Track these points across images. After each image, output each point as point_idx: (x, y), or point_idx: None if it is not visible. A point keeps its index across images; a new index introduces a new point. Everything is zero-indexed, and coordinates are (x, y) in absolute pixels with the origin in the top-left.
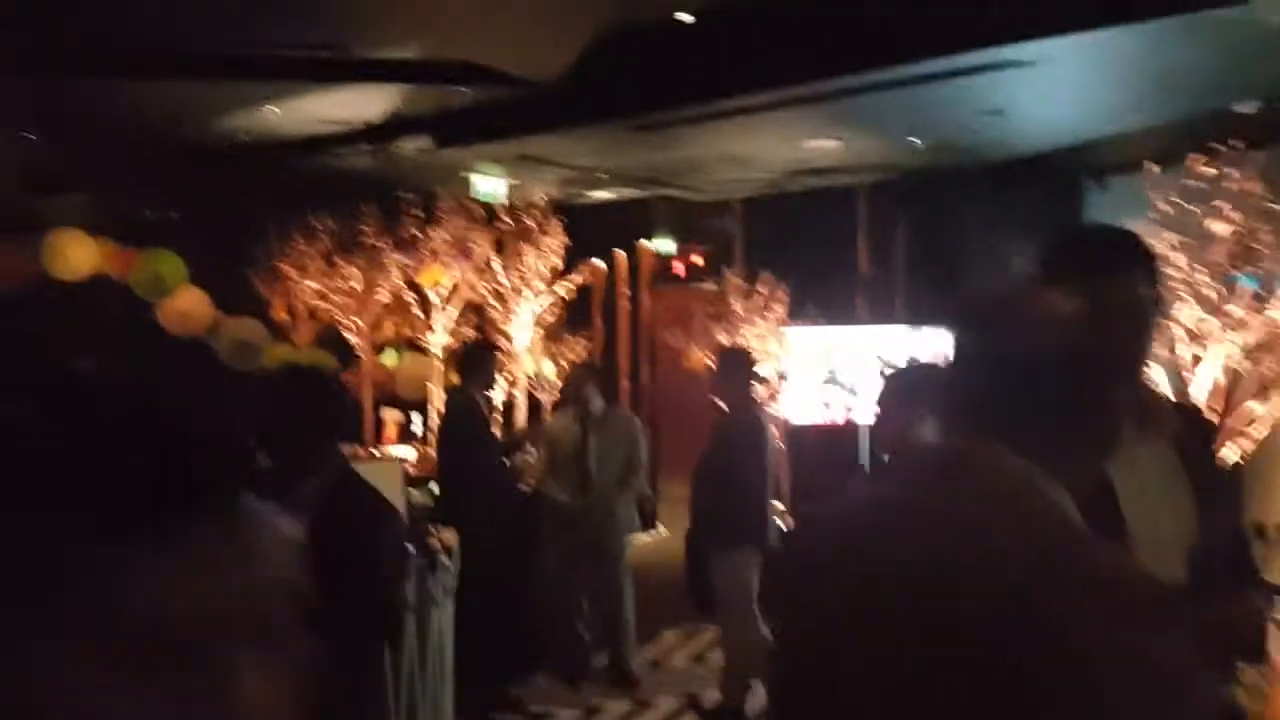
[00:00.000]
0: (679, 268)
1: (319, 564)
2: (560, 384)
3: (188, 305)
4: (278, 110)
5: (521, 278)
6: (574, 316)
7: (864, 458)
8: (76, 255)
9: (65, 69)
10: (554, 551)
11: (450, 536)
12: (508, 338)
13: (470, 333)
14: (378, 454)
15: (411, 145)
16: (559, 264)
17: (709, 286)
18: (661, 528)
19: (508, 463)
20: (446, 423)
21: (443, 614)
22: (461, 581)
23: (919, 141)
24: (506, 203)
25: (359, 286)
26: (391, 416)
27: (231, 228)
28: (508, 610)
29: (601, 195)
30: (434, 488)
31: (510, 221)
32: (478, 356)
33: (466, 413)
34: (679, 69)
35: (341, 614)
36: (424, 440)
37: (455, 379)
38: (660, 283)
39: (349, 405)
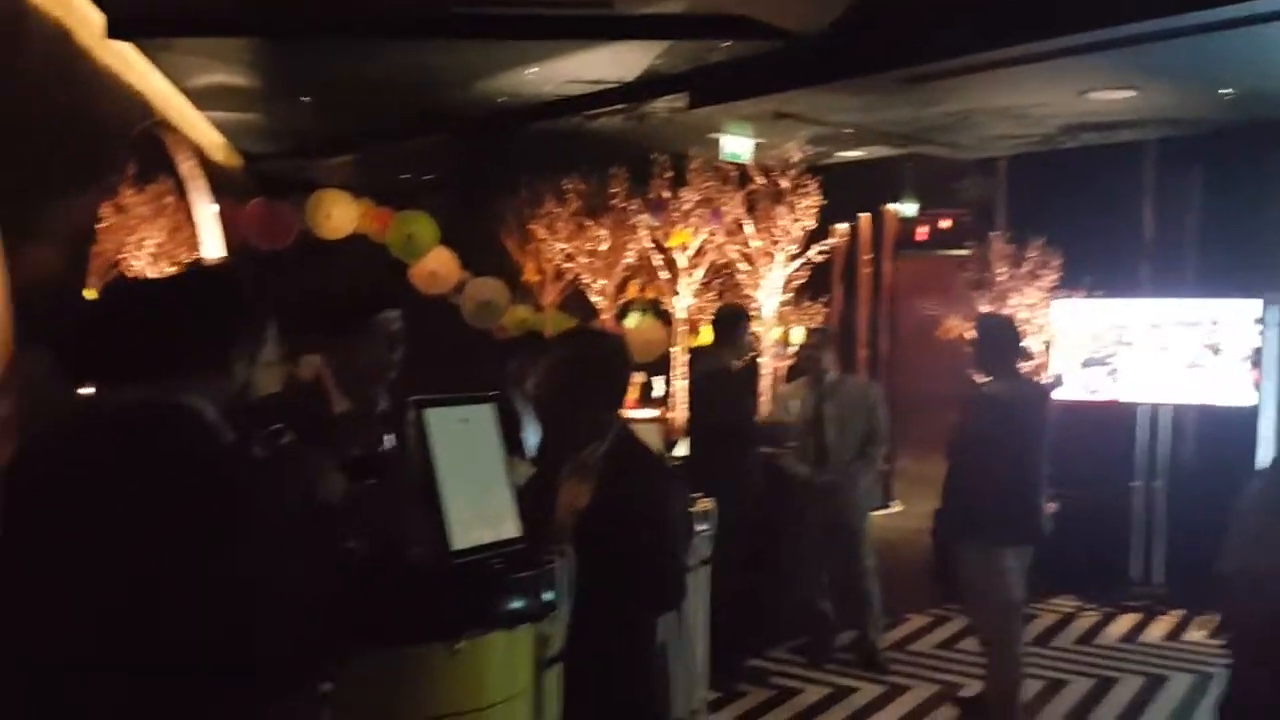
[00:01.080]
0: (923, 233)
1: (607, 528)
2: (797, 350)
3: (437, 265)
4: (536, 70)
5: (773, 240)
6: (812, 282)
7: (1141, 440)
8: (340, 215)
9: (336, 30)
10: (794, 525)
11: (706, 502)
12: (755, 302)
13: (716, 297)
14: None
15: (664, 104)
16: (812, 225)
17: (959, 252)
18: (896, 504)
19: (759, 430)
20: (697, 387)
21: (697, 580)
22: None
23: (1231, 91)
24: (752, 164)
25: (606, 248)
26: (632, 379)
27: (485, 189)
28: (753, 581)
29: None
30: (680, 451)
31: (763, 182)
32: (732, 320)
33: (718, 377)
34: (955, 15)
35: (634, 578)
36: (664, 403)
37: (704, 342)
38: (903, 249)
39: (629, 371)
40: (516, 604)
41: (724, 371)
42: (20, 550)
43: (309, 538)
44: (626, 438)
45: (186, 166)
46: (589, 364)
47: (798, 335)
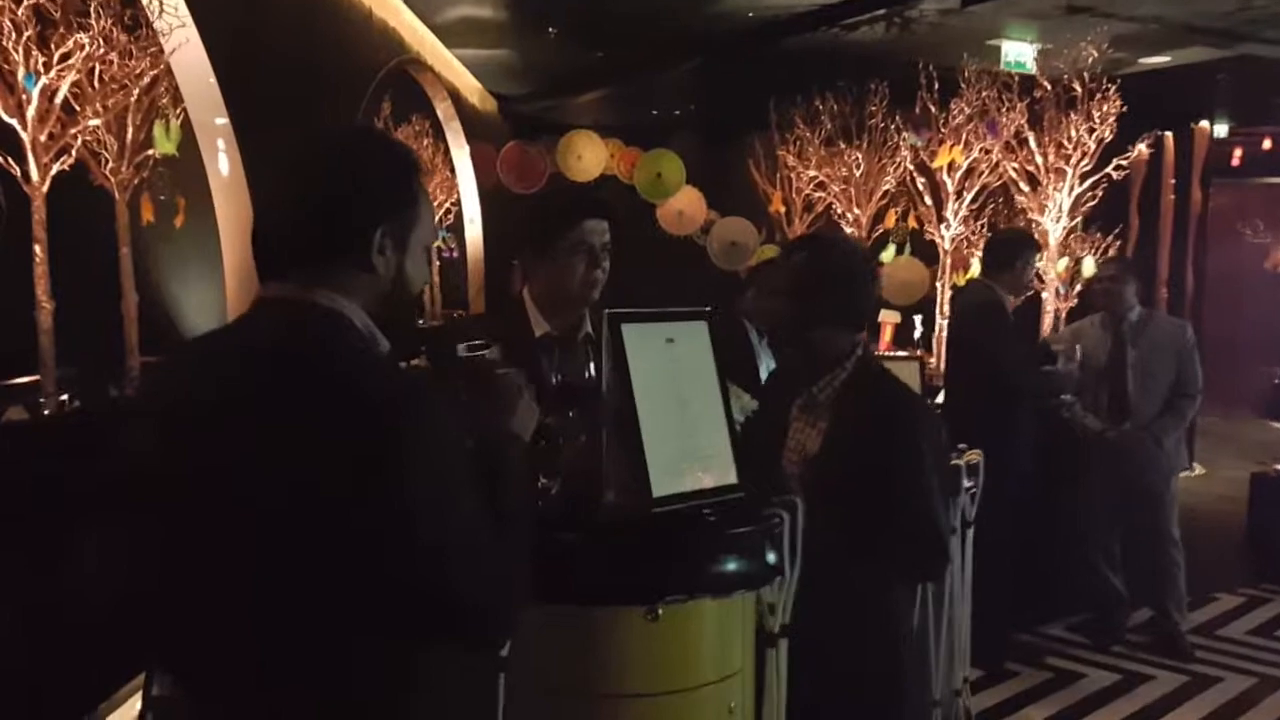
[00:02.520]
0: (1238, 156)
1: (846, 478)
2: (1084, 285)
3: (684, 205)
4: None
5: (1061, 154)
6: (1104, 209)
7: None
8: (590, 156)
9: None
10: (1084, 487)
11: (973, 454)
12: (1037, 227)
13: (988, 225)
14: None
15: (933, 6)
16: (1109, 138)
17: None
18: (1198, 467)
19: (1035, 377)
20: (961, 322)
21: (961, 546)
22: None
23: None
24: (1035, 72)
25: (861, 173)
26: (889, 318)
27: (733, 123)
28: (1027, 547)
29: (1153, 62)
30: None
31: (1048, 88)
32: (1012, 246)
33: (989, 311)
34: None
35: (880, 540)
36: (926, 346)
37: (975, 273)
38: (1215, 174)
39: (874, 286)
40: (731, 565)
41: (995, 307)
42: (154, 499)
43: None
44: (871, 367)
45: (443, 108)
46: (825, 273)
47: (1088, 267)
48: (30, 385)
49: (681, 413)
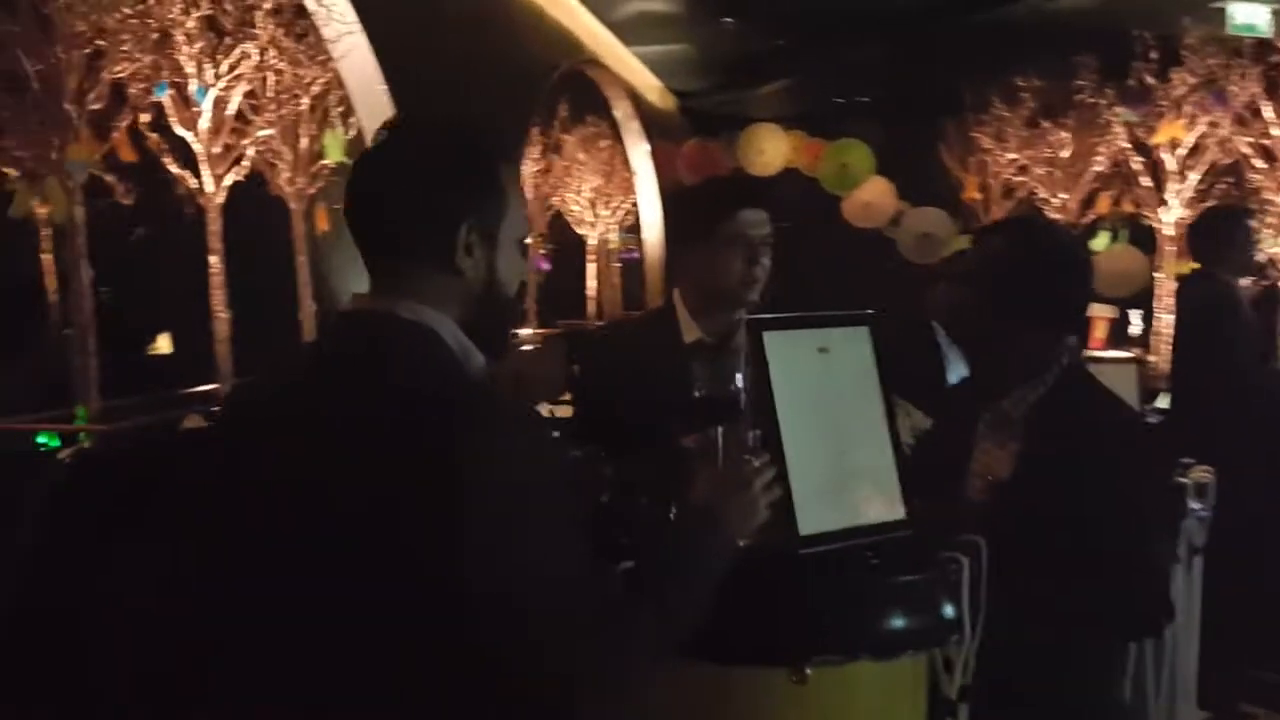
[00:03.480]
0: None
1: (1040, 513)
2: None
3: (872, 196)
4: None
5: None
6: None
7: None
8: (772, 150)
9: None
10: None
11: (1202, 473)
12: (1274, 204)
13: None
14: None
15: None
16: None
17: None
18: None
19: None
20: (1185, 318)
21: (1189, 576)
22: (1213, 535)
23: None
24: (1271, 34)
25: (1068, 154)
26: (1101, 314)
27: (925, 108)
28: (1271, 572)
29: None
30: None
31: None
32: (1220, 223)
33: (1215, 304)
34: None
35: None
36: (1144, 343)
37: (1194, 260)
38: None
39: (1087, 281)
40: (898, 621)
41: (1223, 297)
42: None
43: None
44: (1077, 378)
45: (621, 108)
46: (1028, 261)
47: None
48: (208, 394)
49: (836, 435)
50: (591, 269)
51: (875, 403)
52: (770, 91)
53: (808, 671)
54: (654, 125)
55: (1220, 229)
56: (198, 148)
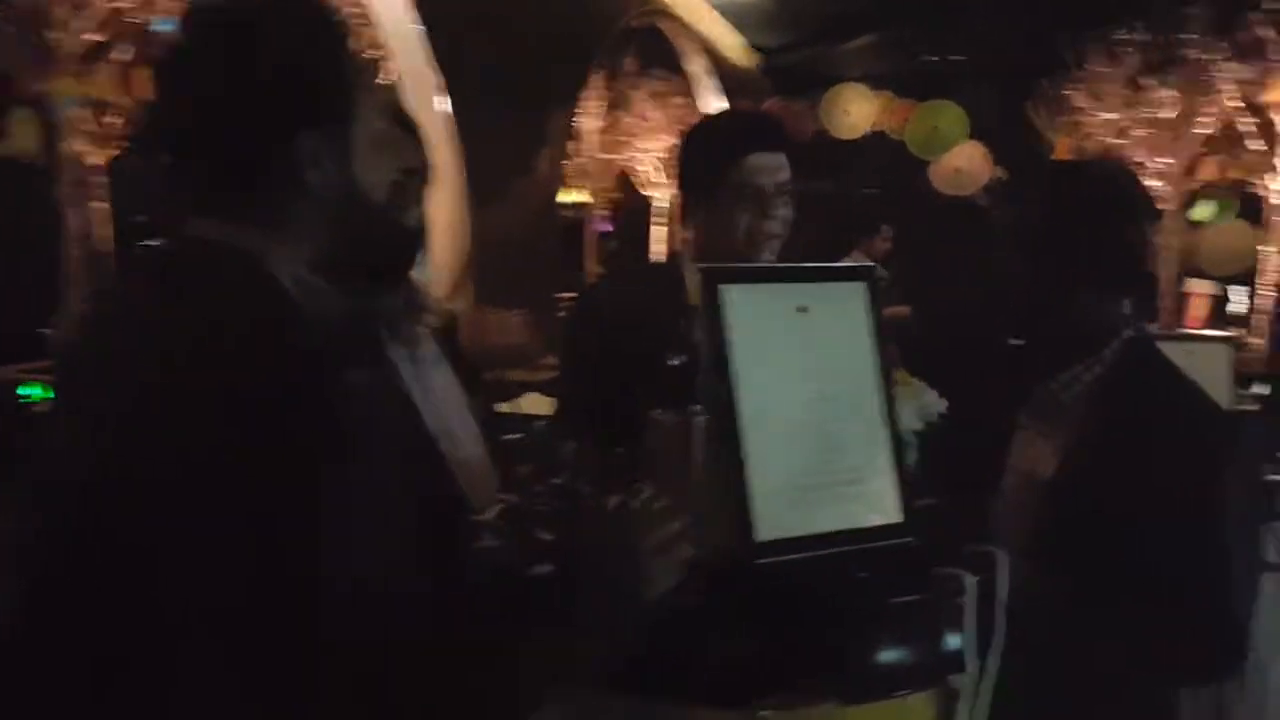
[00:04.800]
0: None
1: (1092, 523)
2: None
3: (963, 161)
4: None
5: None
6: None
7: None
8: (858, 111)
9: None
10: None
11: None
12: None
13: None
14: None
15: None
16: None
17: None
18: None
19: None
20: None
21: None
22: None
23: None
24: None
25: (1173, 115)
26: (1201, 290)
27: (1025, 62)
28: None
29: None
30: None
31: None
32: None
33: None
34: None
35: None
36: (1246, 323)
37: None
38: None
39: (1149, 231)
40: (891, 654)
41: None
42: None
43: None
44: (1143, 356)
45: (696, 63)
46: (1077, 209)
47: None
48: None
49: (814, 416)
50: (659, 232)
51: (869, 377)
52: (857, 48)
53: (763, 715)
54: (733, 83)
55: None
56: None
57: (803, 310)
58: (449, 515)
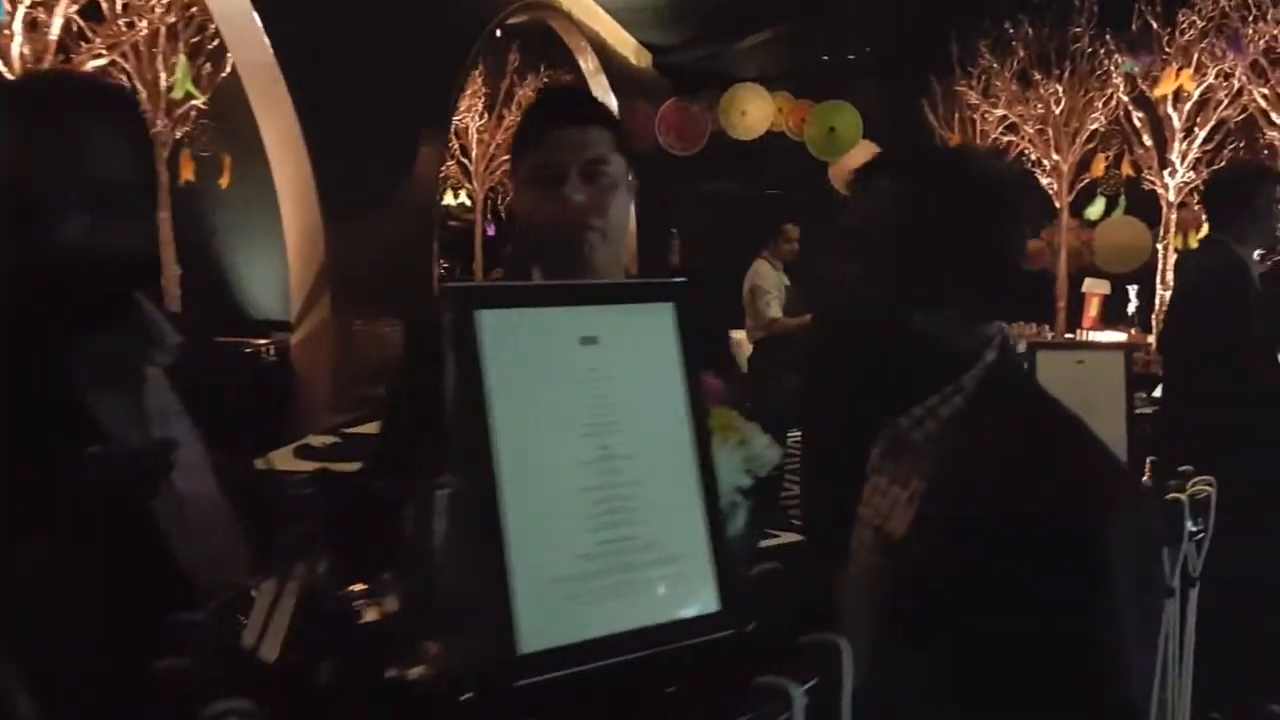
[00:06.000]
0: None
1: (956, 586)
2: None
3: (859, 162)
4: None
5: None
6: None
7: None
8: (755, 112)
9: None
10: None
11: (1201, 486)
12: None
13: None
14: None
15: None
16: None
17: None
18: None
19: None
20: (1187, 295)
21: (1183, 607)
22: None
23: None
24: None
25: (1062, 111)
26: (1096, 289)
27: (917, 61)
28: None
29: None
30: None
31: None
32: (1238, 183)
33: (1224, 278)
34: None
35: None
36: (1141, 323)
37: (1204, 229)
38: None
39: (1022, 233)
40: None
41: (1233, 271)
42: None
43: None
44: (1008, 382)
45: (586, 61)
46: (936, 210)
47: None
48: None
49: (604, 479)
50: None
51: (678, 425)
52: (752, 48)
53: None
54: (630, 84)
55: (1236, 189)
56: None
57: (590, 341)
58: (150, 606)
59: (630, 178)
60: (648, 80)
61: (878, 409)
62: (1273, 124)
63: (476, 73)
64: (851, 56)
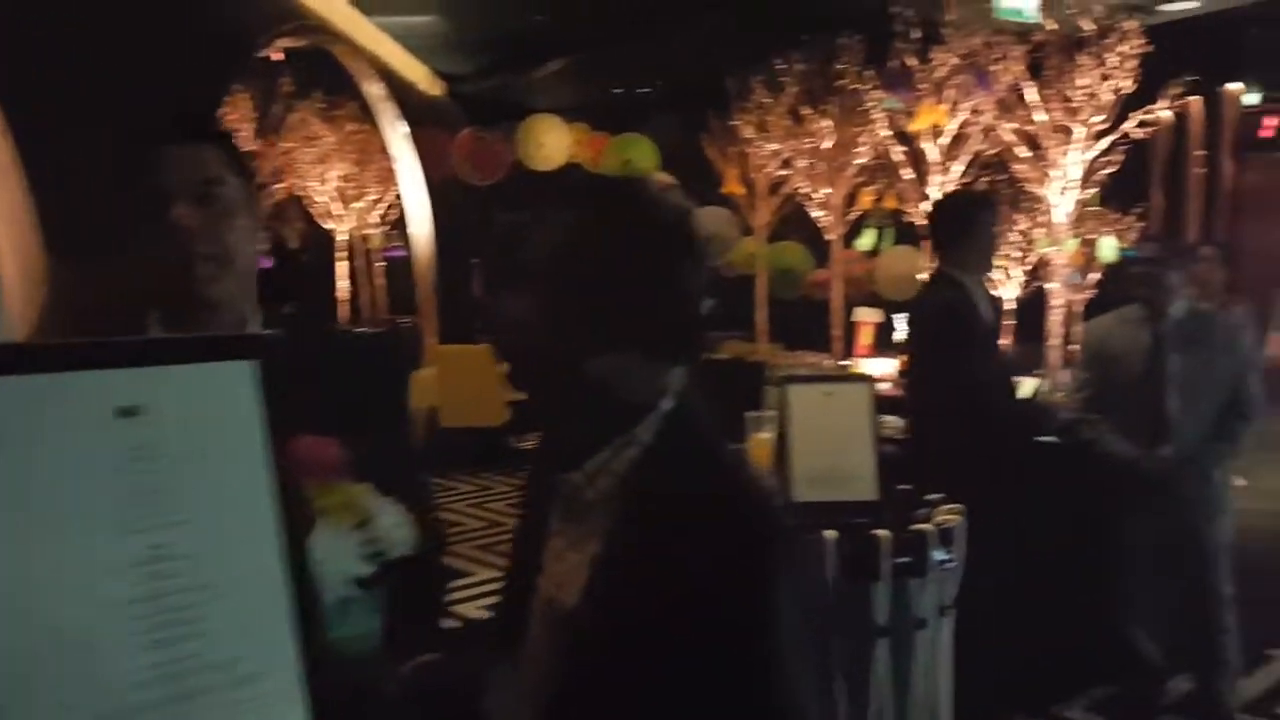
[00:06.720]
0: (1270, 125)
1: (629, 660)
2: (1103, 272)
3: None
4: None
5: (1069, 109)
6: (1125, 183)
7: None
8: (552, 143)
9: None
10: (1109, 532)
11: (948, 515)
12: (1040, 201)
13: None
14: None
15: None
16: (1129, 88)
17: None
18: (1239, 478)
19: (1018, 390)
20: (910, 325)
21: (935, 636)
22: (966, 580)
23: None
24: (1039, 21)
25: (831, 145)
26: (868, 318)
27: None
28: (1029, 613)
29: (1177, 8)
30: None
31: (1055, 28)
32: (957, 210)
33: (941, 308)
34: None
35: None
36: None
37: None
38: (1246, 148)
39: (699, 270)
40: None
41: (956, 303)
42: None
43: None
44: (681, 435)
45: (371, 88)
46: (605, 250)
47: (1107, 249)
48: None
49: (152, 587)
50: (342, 268)
51: (258, 512)
52: (547, 78)
53: None
54: (422, 112)
55: (955, 217)
56: None
57: (128, 413)
58: None
59: (251, 203)
60: (443, 109)
61: (554, 463)
62: (1019, 159)
63: (246, 97)
64: (644, 90)
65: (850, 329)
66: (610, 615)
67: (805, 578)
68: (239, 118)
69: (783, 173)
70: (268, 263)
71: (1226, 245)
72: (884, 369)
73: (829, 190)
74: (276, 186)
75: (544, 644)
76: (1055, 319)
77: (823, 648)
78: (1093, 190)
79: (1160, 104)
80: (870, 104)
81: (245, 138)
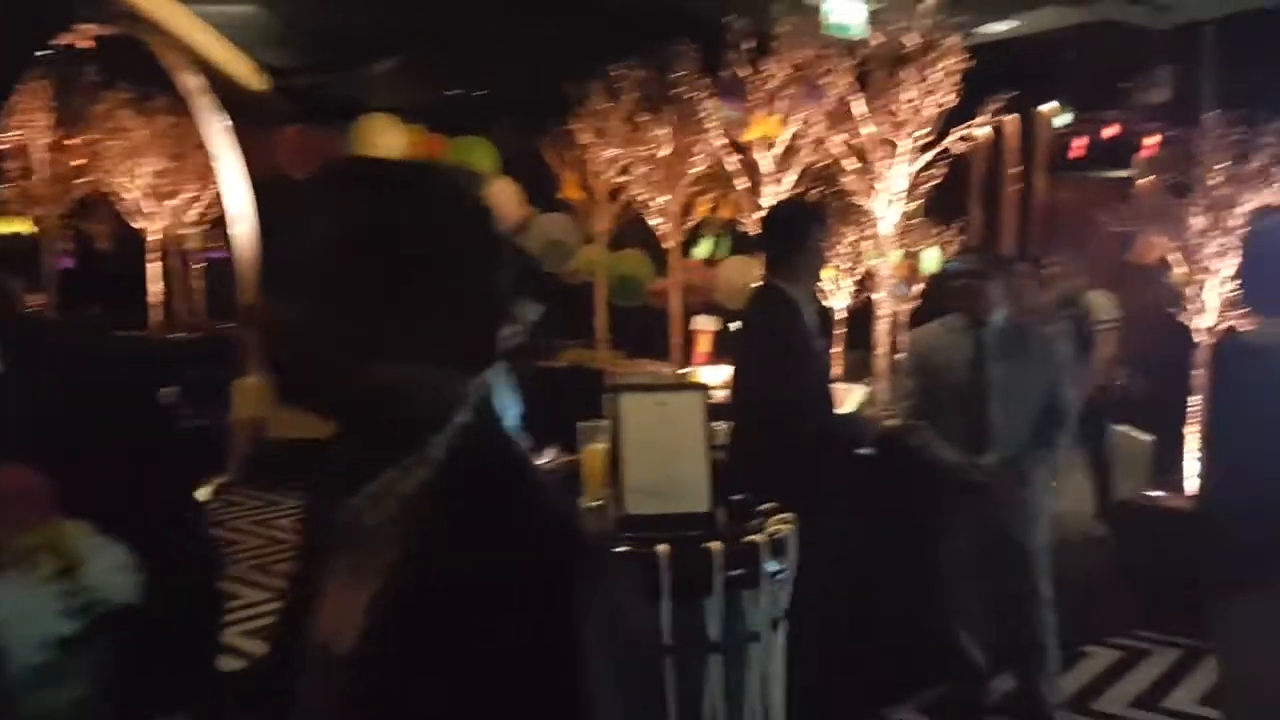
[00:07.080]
0: (1079, 146)
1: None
2: (927, 283)
3: (495, 199)
4: None
5: (896, 125)
6: (947, 198)
7: None
8: (387, 144)
9: None
10: (932, 537)
11: (779, 525)
12: (867, 214)
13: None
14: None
15: None
16: (951, 103)
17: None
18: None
19: (845, 400)
20: (736, 336)
21: (766, 649)
22: (796, 591)
23: None
24: (867, 37)
25: (668, 152)
26: (707, 326)
27: (536, 96)
28: (856, 621)
29: (999, 30)
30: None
31: (881, 41)
32: (784, 222)
33: (769, 316)
34: None
35: None
36: None
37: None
38: (1059, 168)
39: (500, 266)
40: None
41: (779, 314)
42: None
43: None
44: (483, 448)
45: (187, 80)
46: (405, 236)
47: (930, 261)
48: None
49: None
50: (154, 269)
51: None
52: (382, 76)
53: None
54: (241, 105)
55: (782, 228)
56: None
57: None
58: None
59: None
60: (269, 104)
61: (337, 487)
62: (846, 171)
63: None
64: (481, 92)
65: (689, 337)
66: (389, 661)
67: (617, 601)
68: (36, 107)
69: (621, 179)
70: (69, 262)
71: (1038, 260)
72: (721, 376)
73: (667, 198)
74: (78, 181)
75: (318, 696)
76: (882, 328)
77: (653, 667)
78: (916, 203)
79: (979, 120)
80: (705, 113)
81: (42, 128)
